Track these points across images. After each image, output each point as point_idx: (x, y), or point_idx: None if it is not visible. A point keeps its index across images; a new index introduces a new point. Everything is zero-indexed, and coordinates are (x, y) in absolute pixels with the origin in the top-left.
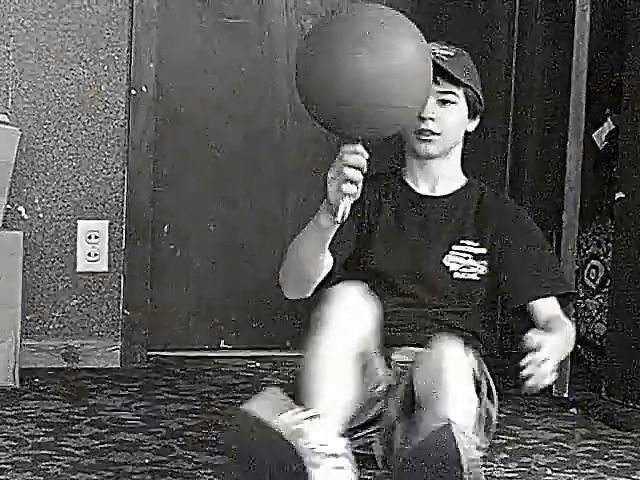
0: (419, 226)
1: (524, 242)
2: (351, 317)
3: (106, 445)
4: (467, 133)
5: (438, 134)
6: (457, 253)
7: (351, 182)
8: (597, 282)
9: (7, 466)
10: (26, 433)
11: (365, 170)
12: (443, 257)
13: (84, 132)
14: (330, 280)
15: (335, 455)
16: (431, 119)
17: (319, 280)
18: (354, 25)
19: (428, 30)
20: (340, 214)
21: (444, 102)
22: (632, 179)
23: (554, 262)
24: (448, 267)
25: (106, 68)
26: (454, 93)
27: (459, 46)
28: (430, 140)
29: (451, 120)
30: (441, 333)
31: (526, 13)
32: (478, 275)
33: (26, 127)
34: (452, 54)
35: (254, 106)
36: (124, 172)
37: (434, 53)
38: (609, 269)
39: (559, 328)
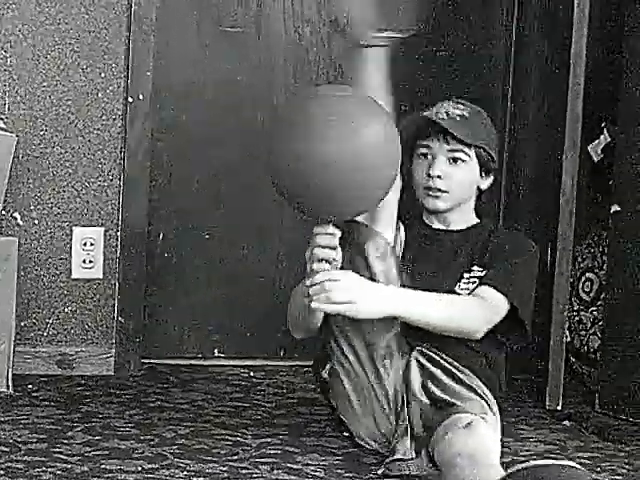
0: (434, 257)
1: (504, 258)
2: None
3: (99, 452)
4: (480, 190)
5: (445, 192)
6: (467, 280)
7: (325, 261)
8: (592, 295)
9: None
10: (19, 439)
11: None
12: (455, 285)
13: (80, 139)
14: None
15: None
16: (439, 177)
17: (319, 323)
18: (322, 108)
19: (424, 48)
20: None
21: (455, 160)
22: (628, 192)
23: (519, 277)
24: (460, 294)
25: (103, 75)
26: (464, 152)
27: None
28: (438, 197)
29: (459, 178)
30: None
31: (523, 26)
32: None
33: (22, 133)
34: (466, 114)
35: (251, 115)
36: (120, 179)
37: (447, 113)
38: (604, 282)
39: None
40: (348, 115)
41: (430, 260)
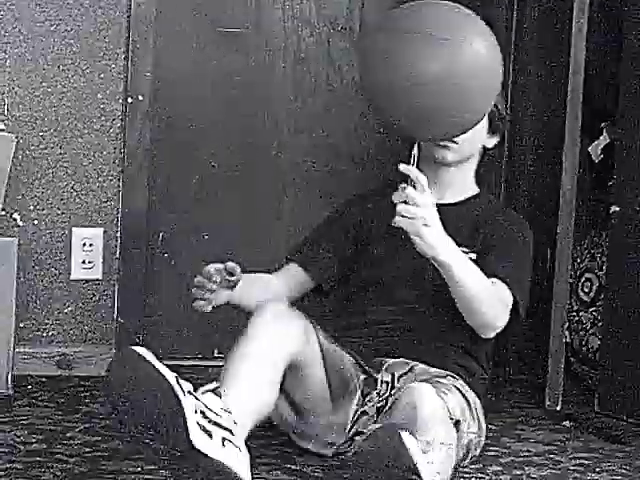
0: None
1: (500, 248)
2: (276, 328)
3: (99, 453)
4: (486, 149)
5: (456, 142)
6: None
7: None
8: (591, 295)
9: None
10: (19, 440)
11: None
12: None
13: (80, 140)
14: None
15: (227, 429)
16: None
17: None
18: (421, 23)
19: None
20: None
21: None
22: (627, 192)
23: (519, 269)
24: None
25: (102, 76)
26: None
27: None
28: (448, 147)
29: (470, 131)
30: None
31: (522, 26)
32: None
33: (22, 134)
34: None
35: (250, 116)
36: (119, 180)
37: None
38: (603, 282)
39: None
40: (450, 29)
41: None
